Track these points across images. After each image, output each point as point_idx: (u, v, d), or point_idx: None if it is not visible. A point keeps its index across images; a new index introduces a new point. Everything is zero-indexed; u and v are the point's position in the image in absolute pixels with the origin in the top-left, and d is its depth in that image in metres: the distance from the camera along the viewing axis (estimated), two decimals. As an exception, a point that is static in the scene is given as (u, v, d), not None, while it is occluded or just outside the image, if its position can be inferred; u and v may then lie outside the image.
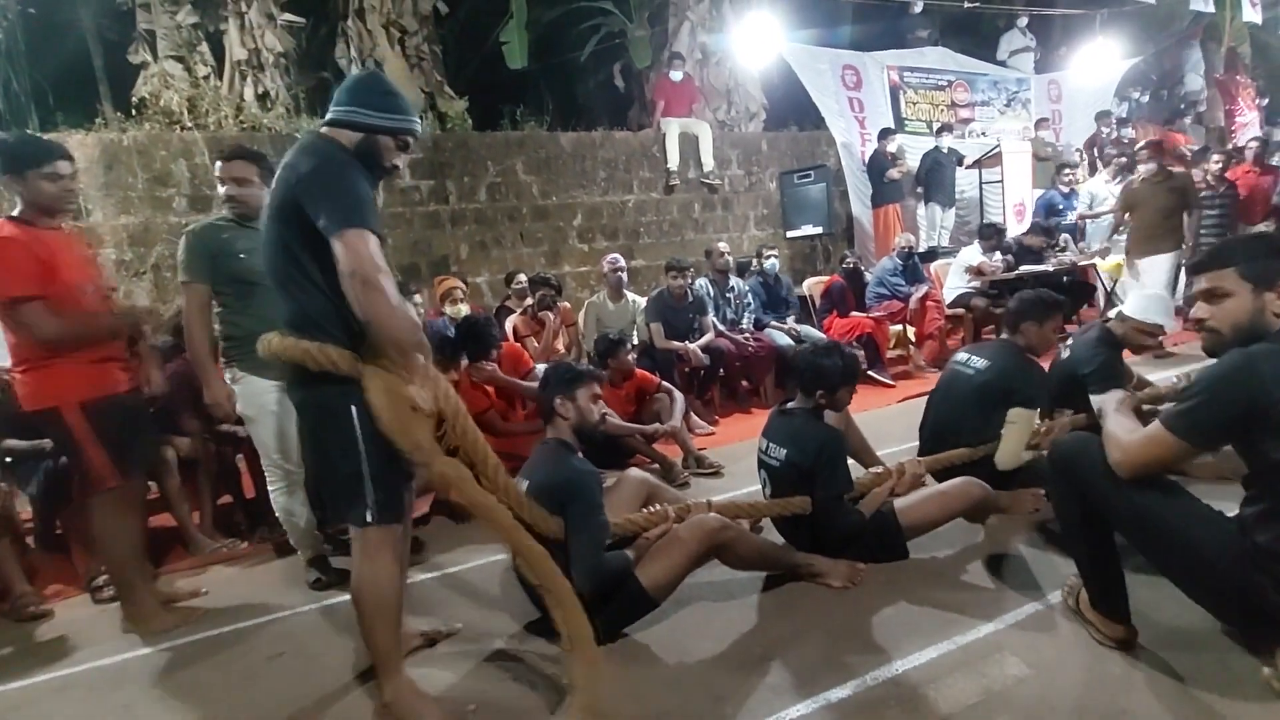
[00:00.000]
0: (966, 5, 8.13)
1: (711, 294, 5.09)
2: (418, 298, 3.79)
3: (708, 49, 7.75)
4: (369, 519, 1.65)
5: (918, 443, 2.94)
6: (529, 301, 4.61)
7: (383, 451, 1.61)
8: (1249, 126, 10.09)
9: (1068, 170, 7.38)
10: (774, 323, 5.29)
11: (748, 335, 5.00)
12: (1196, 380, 1.56)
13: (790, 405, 2.47)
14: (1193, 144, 8.77)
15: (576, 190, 6.66)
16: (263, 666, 2.14)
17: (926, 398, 3.04)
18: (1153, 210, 5.34)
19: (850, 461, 2.49)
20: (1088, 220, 6.70)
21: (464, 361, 3.49)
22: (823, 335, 5.18)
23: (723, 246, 5.14)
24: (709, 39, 7.72)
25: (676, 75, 7.13)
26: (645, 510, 2.26)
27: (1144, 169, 5.53)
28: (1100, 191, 6.65)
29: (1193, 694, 1.63)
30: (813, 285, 6.18)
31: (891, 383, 5.31)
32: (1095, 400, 2.66)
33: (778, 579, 2.33)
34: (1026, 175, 7.84)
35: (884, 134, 7.33)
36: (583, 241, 6.67)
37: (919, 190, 7.64)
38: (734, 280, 5.21)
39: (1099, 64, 9.10)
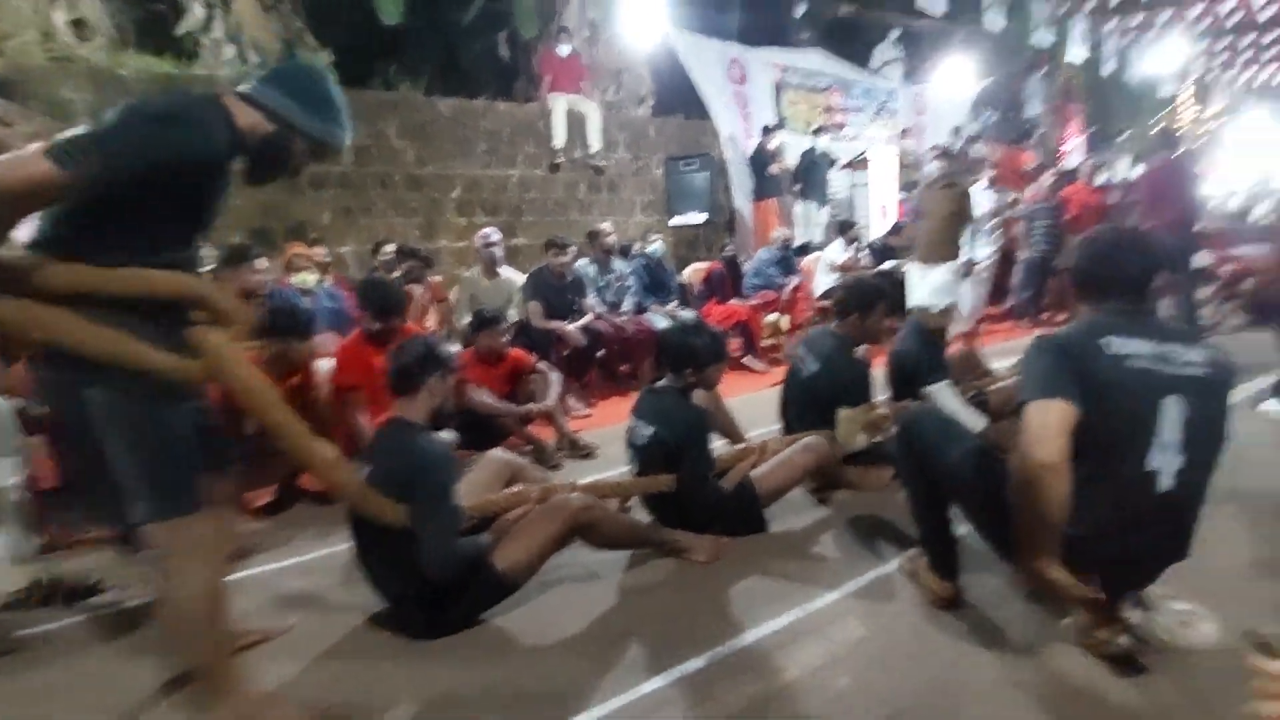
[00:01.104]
0: (842, 12, 8.53)
1: (593, 275, 5.03)
2: (262, 263, 3.41)
3: (597, 26, 7.63)
4: (151, 514, 1.42)
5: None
6: (396, 275, 4.32)
7: (151, 436, 1.40)
8: (1075, 152, 11.45)
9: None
10: (655, 307, 5.32)
11: (628, 318, 4.99)
12: None
13: (660, 384, 2.46)
14: (1033, 163, 9.80)
15: (455, 160, 6.34)
16: (40, 690, 1.84)
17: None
18: (937, 217, 5.40)
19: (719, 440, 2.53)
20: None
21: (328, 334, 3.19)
22: (701, 320, 5.26)
23: (606, 227, 5.09)
24: (598, 16, 7.59)
25: (564, 50, 6.96)
26: (506, 491, 2.17)
27: (928, 169, 5.82)
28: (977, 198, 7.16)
29: (1010, 642, 1.79)
30: (693, 272, 6.28)
31: (765, 369, 5.51)
32: (930, 391, 2.90)
33: (643, 556, 2.32)
34: (892, 180, 8.41)
35: (767, 130, 7.57)
36: (461, 215, 6.37)
37: (796, 187, 7.98)
38: (617, 263, 5.18)
39: (956, 80, 9.92)
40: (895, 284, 2.96)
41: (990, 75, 10.42)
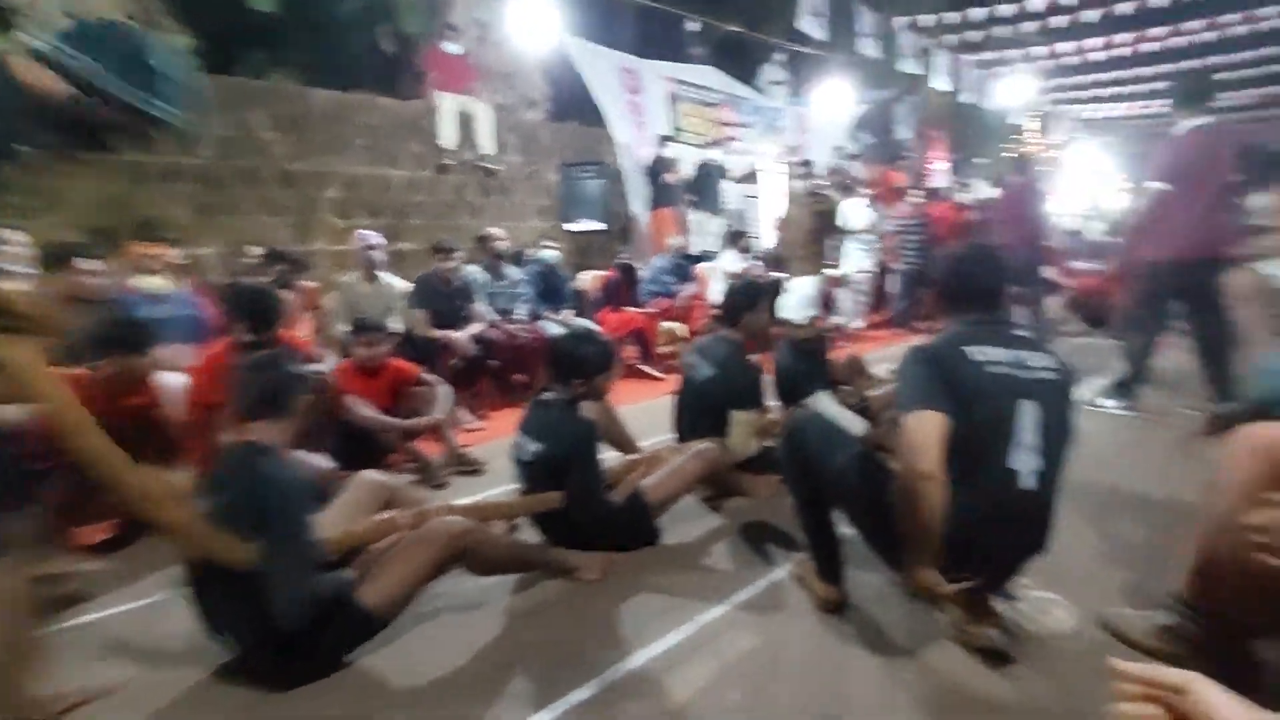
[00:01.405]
0: (730, 28, 8.79)
1: (483, 282, 4.83)
2: (93, 264, 2.95)
3: (487, 26, 7.41)
4: None
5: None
6: (265, 279, 3.94)
7: None
8: (940, 174, 12.43)
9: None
10: (549, 314, 5.19)
11: (521, 326, 4.83)
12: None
13: (546, 395, 2.35)
14: (905, 183, 10.54)
15: (332, 156, 5.91)
16: None
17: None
18: (801, 230, 5.64)
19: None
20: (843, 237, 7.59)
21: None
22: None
23: (497, 231, 4.89)
24: (487, 16, 7.37)
25: (452, 48, 6.70)
26: (375, 518, 1.98)
27: (794, 185, 6.10)
28: (853, 214, 7.55)
29: (894, 643, 1.84)
30: (590, 279, 6.21)
31: (662, 376, 5.51)
32: (810, 402, 3.00)
33: (531, 579, 2.20)
34: (781, 193, 8.76)
35: (662, 141, 7.65)
36: (340, 215, 5.95)
37: (690, 197, 8.13)
38: (509, 269, 5.01)
39: (836, 101, 10.49)
40: (775, 285, 3.06)
41: (866, 99, 11.12)
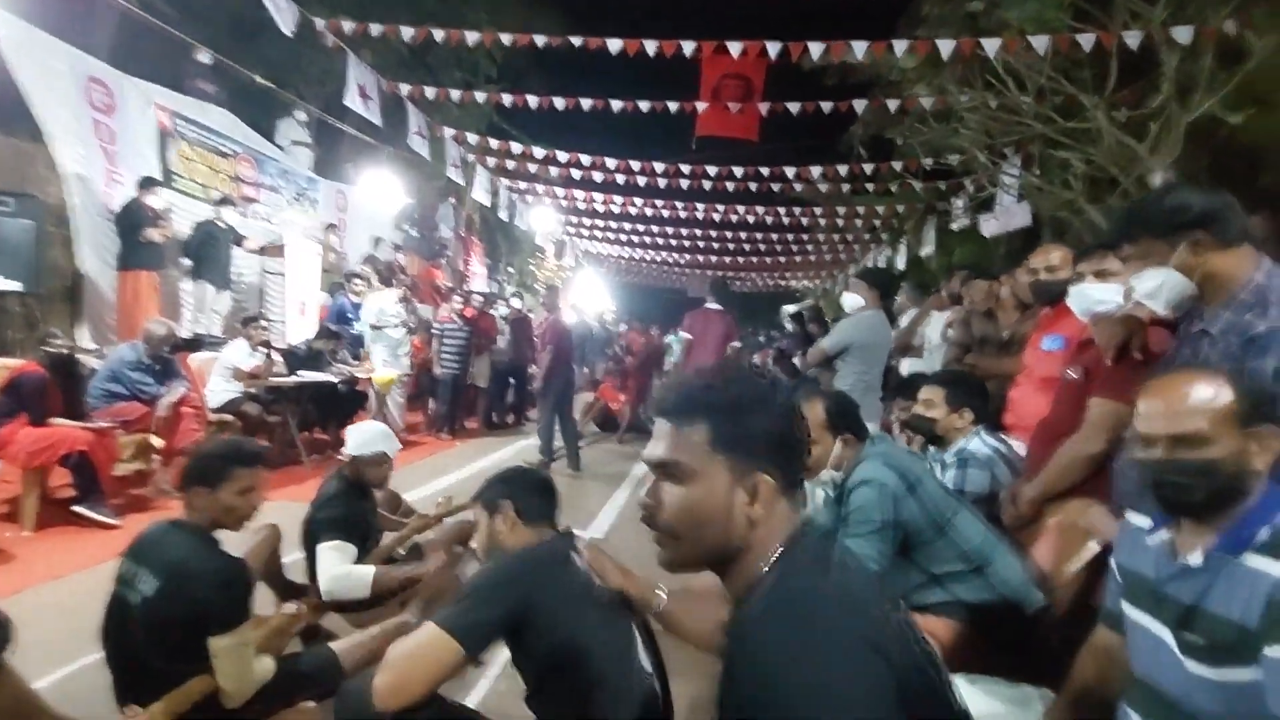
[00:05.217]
0: (258, 80, 7.46)
1: None
2: None
3: None
4: None
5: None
6: None
7: None
8: (478, 278, 13.05)
9: (358, 280, 7.53)
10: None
11: None
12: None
13: None
14: (446, 281, 10.60)
15: None
16: None
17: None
18: None
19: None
20: (374, 330, 6.84)
21: None
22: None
23: None
24: None
25: None
26: None
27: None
28: (389, 307, 6.90)
29: None
30: (-12, 370, 3.97)
31: (116, 521, 3.76)
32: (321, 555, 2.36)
33: None
34: (314, 274, 7.60)
35: (148, 183, 5.77)
36: None
37: (186, 262, 6.32)
38: None
39: (380, 191, 9.94)
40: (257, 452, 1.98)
41: (413, 193, 10.89)
